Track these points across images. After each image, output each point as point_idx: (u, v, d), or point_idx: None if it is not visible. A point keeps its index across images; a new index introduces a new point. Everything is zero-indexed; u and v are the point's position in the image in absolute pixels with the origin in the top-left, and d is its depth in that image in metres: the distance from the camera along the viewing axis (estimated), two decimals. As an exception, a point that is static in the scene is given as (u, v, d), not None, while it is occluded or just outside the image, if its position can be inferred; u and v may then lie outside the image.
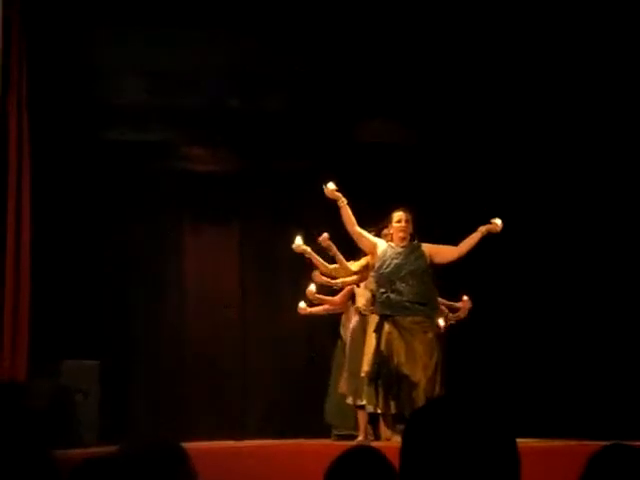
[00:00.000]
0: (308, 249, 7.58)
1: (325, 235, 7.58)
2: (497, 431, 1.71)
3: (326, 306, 8.22)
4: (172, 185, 9.71)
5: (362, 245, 7.40)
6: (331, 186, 7.18)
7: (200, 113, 9.47)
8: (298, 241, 7.56)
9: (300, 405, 9.40)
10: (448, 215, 9.06)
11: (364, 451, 2.70)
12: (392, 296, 7.17)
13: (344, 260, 7.65)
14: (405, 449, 1.73)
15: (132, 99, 9.32)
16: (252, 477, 6.14)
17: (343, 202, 7.19)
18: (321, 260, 7.68)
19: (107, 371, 8.22)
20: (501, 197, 9.09)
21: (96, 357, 8.13)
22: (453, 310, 8.15)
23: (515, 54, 9.02)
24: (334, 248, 7.59)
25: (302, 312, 8.23)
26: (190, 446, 2.04)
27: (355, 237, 7.31)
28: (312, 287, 7.89)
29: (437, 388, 7.05)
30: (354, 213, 7.20)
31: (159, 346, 9.60)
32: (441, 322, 7.82)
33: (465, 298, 8.11)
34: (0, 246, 7.63)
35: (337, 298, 8.09)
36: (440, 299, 7.68)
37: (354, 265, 7.69)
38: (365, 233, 7.35)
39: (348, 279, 7.75)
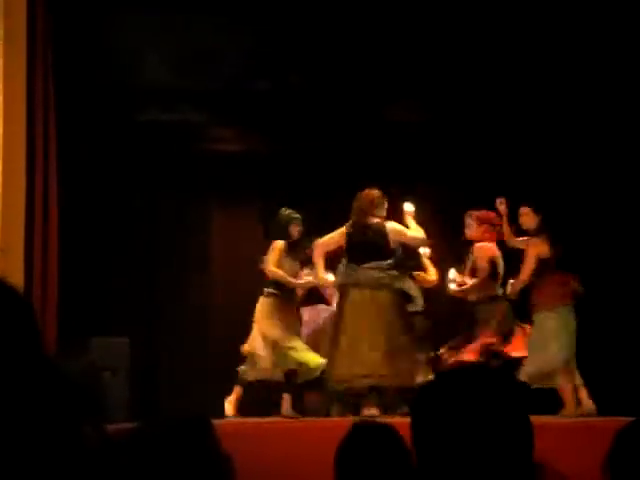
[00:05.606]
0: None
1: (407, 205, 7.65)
2: (508, 404, 1.70)
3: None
4: (199, 165, 9.75)
5: (338, 245, 7.67)
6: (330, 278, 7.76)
7: (227, 94, 9.46)
8: (409, 208, 7.65)
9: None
10: (473, 194, 9.00)
11: (373, 428, 2.68)
12: (350, 269, 7.50)
13: None
14: (415, 424, 1.73)
15: (159, 81, 9.32)
16: (278, 454, 6.16)
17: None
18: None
19: (137, 348, 8.26)
20: (528, 173, 9.05)
21: (125, 334, 8.17)
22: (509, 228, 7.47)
23: (542, 32, 8.93)
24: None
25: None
26: (218, 423, 2.05)
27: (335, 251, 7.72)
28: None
29: (412, 356, 7.40)
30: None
31: (187, 324, 9.65)
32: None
33: (499, 200, 7.50)
34: (29, 225, 7.67)
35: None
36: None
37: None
38: (325, 238, 7.72)
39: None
